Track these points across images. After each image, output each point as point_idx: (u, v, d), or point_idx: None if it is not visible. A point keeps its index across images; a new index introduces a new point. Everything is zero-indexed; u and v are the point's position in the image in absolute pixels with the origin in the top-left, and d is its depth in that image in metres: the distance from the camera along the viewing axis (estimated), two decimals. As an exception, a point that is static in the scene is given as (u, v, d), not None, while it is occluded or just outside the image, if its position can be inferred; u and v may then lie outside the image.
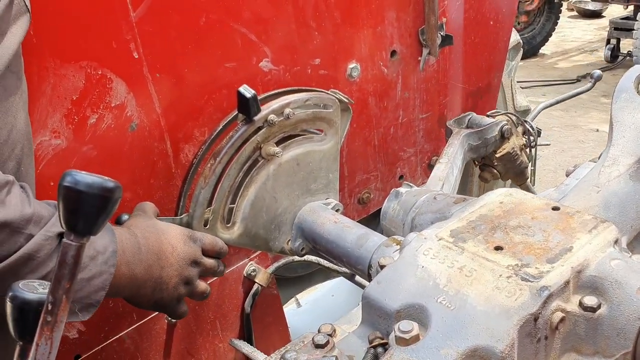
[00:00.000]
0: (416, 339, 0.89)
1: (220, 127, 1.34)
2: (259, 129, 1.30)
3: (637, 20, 7.04)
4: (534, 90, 7.83)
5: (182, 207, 1.36)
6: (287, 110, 1.31)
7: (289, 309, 2.71)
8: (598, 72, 2.00)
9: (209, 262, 1.22)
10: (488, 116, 1.87)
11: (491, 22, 1.94)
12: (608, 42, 8.90)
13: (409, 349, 0.88)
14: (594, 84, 2.05)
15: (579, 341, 0.92)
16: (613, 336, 0.89)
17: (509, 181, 2.88)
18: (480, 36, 1.93)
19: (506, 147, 1.83)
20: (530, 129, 1.95)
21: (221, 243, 1.25)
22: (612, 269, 0.92)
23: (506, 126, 1.75)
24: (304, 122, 1.37)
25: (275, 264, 1.68)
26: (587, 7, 11.57)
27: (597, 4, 10.79)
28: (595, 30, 11.17)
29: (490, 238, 1.02)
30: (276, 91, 1.36)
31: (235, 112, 1.31)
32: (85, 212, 0.61)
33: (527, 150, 1.95)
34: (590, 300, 0.90)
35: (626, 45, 8.47)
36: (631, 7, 8.51)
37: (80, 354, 1.37)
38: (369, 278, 1.20)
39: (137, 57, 1.25)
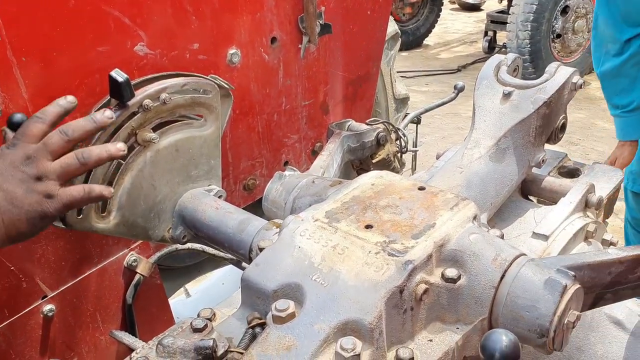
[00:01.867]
0: (292, 316, 0.92)
1: (92, 112, 1.29)
2: (134, 114, 1.26)
3: (510, 14, 7.51)
4: (418, 80, 8.17)
5: (54, 196, 1.30)
6: (163, 95, 1.29)
7: (178, 299, 2.67)
8: (461, 83, 2.28)
9: (60, 163, 1.09)
10: (367, 124, 1.97)
11: (368, 12, 2.00)
12: (486, 34, 9.43)
13: (284, 327, 0.91)
14: (456, 95, 2.26)
15: (442, 310, 0.98)
16: (472, 304, 0.97)
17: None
18: (359, 25, 1.99)
19: (382, 154, 1.94)
20: (402, 137, 2.08)
21: (72, 129, 1.11)
22: (470, 243, 1.00)
23: (382, 133, 1.86)
24: (182, 107, 1.35)
25: (158, 254, 1.65)
26: (467, 1, 12.20)
27: (476, -2, 11.41)
28: (474, 23, 11.80)
29: (361, 217, 1.07)
30: (151, 76, 1.32)
31: (109, 97, 1.27)
32: None
33: (399, 155, 2.08)
34: (451, 272, 0.97)
35: (502, 37, 9.01)
36: (505, 2, 9.06)
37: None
38: (250, 262, 1.22)
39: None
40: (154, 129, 1.32)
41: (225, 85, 1.48)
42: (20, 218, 1.05)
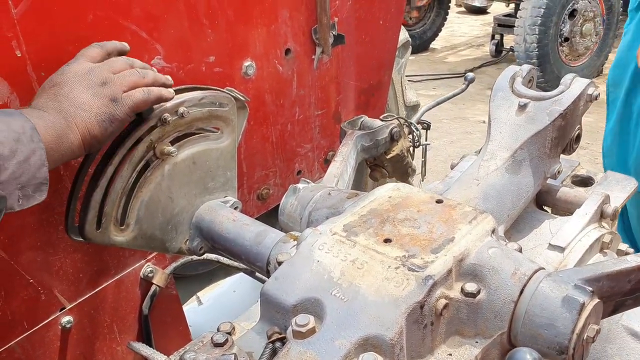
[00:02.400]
0: (312, 331, 0.93)
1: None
2: (153, 128, 1.28)
3: (517, 18, 7.50)
4: (426, 84, 8.16)
5: (72, 210, 1.32)
6: (181, 109, 1.30)
7: (190, 306, 2.68)
8: (471, 74, 2.24)
9: (123, 73, 1.19)
10: (380, 119, 1.96)
11: (381, 22, 2.01)
12: (492, 37, 9.41)
13: (305, 342, 0.91)
14: (467, 86, 2.25)
15: (462, 325, 0.99)
16: (491, 318, 0.97)
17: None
18: (371, 35, 2.00)
19: (395, 149, 1.93)
20: (414, 130, 2.07)
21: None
22: (489, 257, 1.00)
23: (395, 129, 1.85)
24: (199, 120, 1.36)
25: (174, 264, 1.67)
26: (473, 4, 12.18)
27: (483, 0, 11.39)
28: (481, 26, 11.79)
29: (380, 231, 1.07)
30: (170, 90, 1.34)
31: (127, 112, 1.28)
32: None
33: (412, 150, 2.07)
34: (471, 287, 0.97)
35: (509, 40, 9.00)
36: (512, 5, 9.04)
37: (-35, 368, 1.30)
38: (268, 275, 1.23)
39: (20, 55, 1.19)
40: (172, 142, 1.33)
41: (241, 98, 1.49)
42: (90, 121, 1.12)
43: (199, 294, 2.68)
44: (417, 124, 3.06)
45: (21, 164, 0.97)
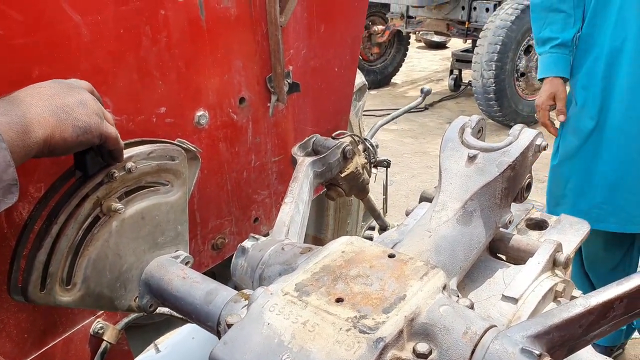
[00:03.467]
0: (261, 400, 0.90)
1: (57, 183, 1.27)
2: (99, 184, 1.25)
3: (475, 54, 7.70)
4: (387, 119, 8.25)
5: (16, 269, 1.27)
6: (129, 164, 1.28)
7: (147, 354, 2.60)
8: (427, 87, 2.28)
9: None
10: (332, 138, 1.91)
11: (336, 69, 2.03)
12: (451, 72, 9.64)
13: (254, 412, 0.88)
14: (423, 99, 2.30)
15: (415, 385, 0.97)
16: (444, 378, 0.96)
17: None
18: (327, 82, 2.02)
19: (350, 167, 1.89)
20: (370, 147, 2.03)
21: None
22: (440, 315, 0.99)
23: (348, 147, 1.82)
24: (148, 174, 1.34)
25: (125, 319, 1.61)
26: (432, 39, 12.48)
27: (441, 37, 11.67)
28: (440, 61, 12.07)
29: (332, 290, 1.06)
30: (117, 145, 1.31)
31: (73, 168, 1.25)
32: None
33: (368, 167, 2.04)
34: (423, 347, 0.96)
35: (467, 75, 9.22)
36: (470, 40, 9.29)
37: None
38: (219, 335, 1.20)
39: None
40: (120, 198, 1.30)
41: (193, 149, 1.47)
42: (67, 123, 1.09)
43: (156, 341, 2.60)
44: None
45: None
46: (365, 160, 1.99)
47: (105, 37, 1.35)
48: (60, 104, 1.09)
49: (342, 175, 1.87)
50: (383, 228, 2.38)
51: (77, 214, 1.23)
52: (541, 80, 2.97)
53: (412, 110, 9.31)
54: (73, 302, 1.28)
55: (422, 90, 2.32)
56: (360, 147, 1.96)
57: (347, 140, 1.87)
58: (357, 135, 1.93)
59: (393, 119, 2.52)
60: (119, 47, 1.39)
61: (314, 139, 1.84)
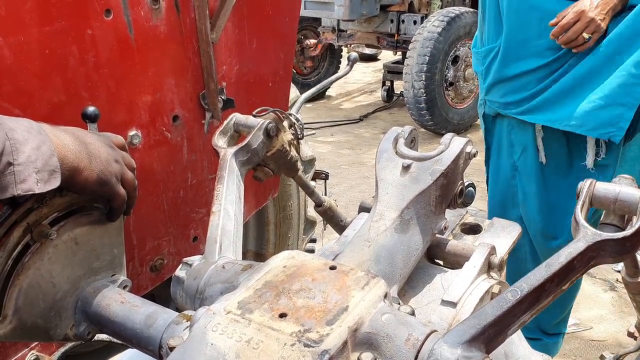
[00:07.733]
0: (207, 423, 0.89)
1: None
2: (29, 210, 1.20)
3: (405, 65, 7.88)
4: (324, 131, 8.34)
5: (-60, 304, 1.20)
6: (60, 188, 1.24)
7: (87, 384, 2.50)
8: (354, 54, 2.36)
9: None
10: (253, 116, 1.74)
11: (270, 84, 2.04)
12: (384, 83, 9.83)
13: None
14: (351, 67, 2.37)
15: (361, 395, 0.98)
16: (387, 387, 0.97)
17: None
18: (261, 97, 2.02)
19: (276, 145, 1.76)
20: (295, 122, 1.90)
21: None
22: (383, 324, 1.01)
23: (271, 125, 1.68)
24: (80, 198, 1.30)
25: (62, 349, 1.55)
26: (364, 52, 12.69)
27: (372, 49, 11.90)
28: (373, 73, 12.28)
29: (275, 305, 1.05)
30: (47, 169, 1.27)
31: (-1, 195, 1.20)
32: None
33: (296, 142, 1.91)
34: (367, 357, 0.97)
35: (399, 86, 9.43)
36: (400, 52, 9.51)
37: None
38: (161, 359, 1.17)
39: None
40: (52, 224, 1.25)
41: (126, 170, 1.44)
42: (93, 170, 1.18)
43: (98, 369, 2.51)
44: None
45: (34, 150, 1.03)
46: (292, 137, 1.85)
47: (29, 58, 1.31)
48: (96, 153, 1.19)
49: (269, 154, 1.74)
50: (318, 204, 2.22)
51: (6, 243, 1.17)
52: None
53: (347, 122, 9.34)
54: (4, 336, 1.22)
55: (348, 59, 2.34)
56: (286, 123, 1.81)
57: (269, 117, 1.72)
58: (281, 111, 1.78)
59: (318, 90, 2.49)
60: (44, 69, 1.35)
61: (234, 119, 1.70)
